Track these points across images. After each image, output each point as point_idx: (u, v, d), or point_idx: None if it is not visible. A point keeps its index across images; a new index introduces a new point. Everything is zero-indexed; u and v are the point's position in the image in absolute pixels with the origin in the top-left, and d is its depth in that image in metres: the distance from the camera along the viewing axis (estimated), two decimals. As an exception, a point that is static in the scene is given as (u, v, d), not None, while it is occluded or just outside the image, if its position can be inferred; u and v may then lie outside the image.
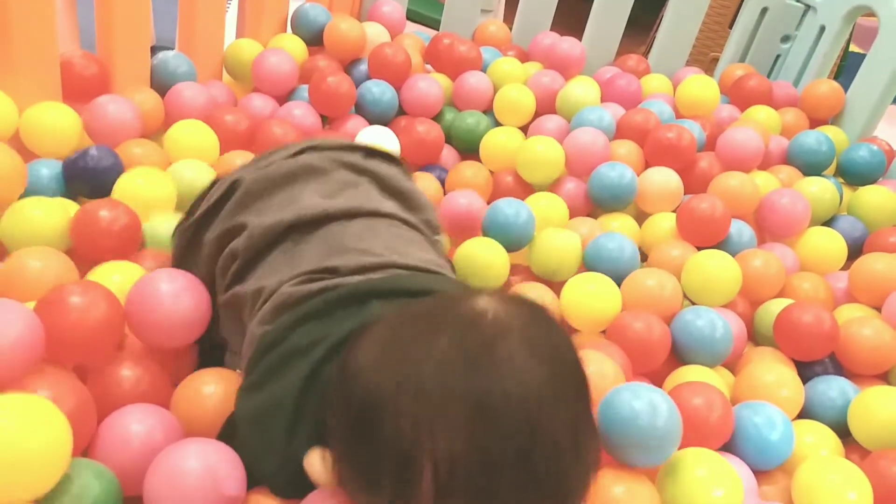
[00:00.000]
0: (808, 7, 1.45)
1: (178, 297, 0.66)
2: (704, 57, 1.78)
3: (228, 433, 0.58)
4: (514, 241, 0.96)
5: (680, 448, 0.62)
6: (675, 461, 0.63)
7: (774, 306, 0.92)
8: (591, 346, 0.78)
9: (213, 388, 0.64)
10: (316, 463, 0.49)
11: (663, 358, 0.83)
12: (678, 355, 0.85)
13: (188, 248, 0.71)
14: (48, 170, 0.88)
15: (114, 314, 0.64)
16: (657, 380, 0.82)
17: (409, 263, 0.61)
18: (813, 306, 0.87)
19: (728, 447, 0.73)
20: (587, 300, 0.86)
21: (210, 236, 0.68)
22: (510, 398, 0.41)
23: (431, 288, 0.57)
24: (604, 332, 0.86)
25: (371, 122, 1.16)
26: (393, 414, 0.42)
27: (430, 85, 1.19)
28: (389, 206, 0.69)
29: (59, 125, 0.91)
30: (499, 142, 1.15)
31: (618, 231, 1.03)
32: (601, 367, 0.72)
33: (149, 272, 0.70)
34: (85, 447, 0.58)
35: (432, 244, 0.69)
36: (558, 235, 0.96)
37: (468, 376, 0.42)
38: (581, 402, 0.45)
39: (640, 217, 1.09)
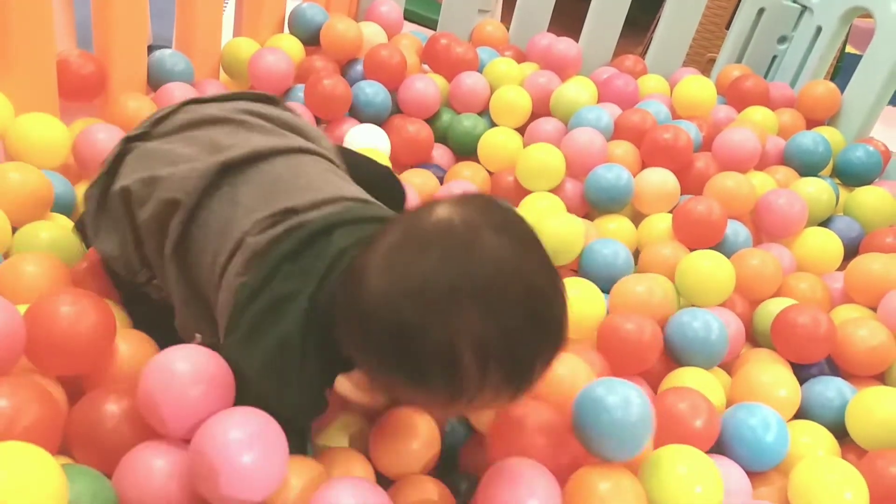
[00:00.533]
0: (804, 8, 1.46)
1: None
2: (701, 58, 1.78)
3: (240, 390, 0.59)
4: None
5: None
6: (657, 458, 0.64)
7: (773, 306, 0.92)
8: (572, 351, 0.77)
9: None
10: (346, 386, 0.58)
11: (654, 359, 0.82)
12: (674, 357, 0.85)
13: (99, 211, 0.70)
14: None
15: (104, 324, 0.62)
16: (654, 381, 0.82)
17: (349, 195, 0.67)
18: (809, 309, 0.87)
19: (723, 448, 0.73)
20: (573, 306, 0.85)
21: (117, 188, 0.67)
22: (504, 274, 0.51)
23: (382, 215, 0.66)
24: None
25: (364, 122, 1.16)
26: (423, 325, 0.50)
27: (427, 85, 1.19)
28: (300, 141, 0.71)
29: (46, 138, 0.89)
30: (497, 142, 1.15)
31: (614, 233, 1.03)
32: (573, 368, 0.71)
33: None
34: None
35: (345, 174, 0.73)
36: (561, 220, 0.96)
37: (467, 272, 0.50)
38: (547, 258, 0.55)
39: (637, 218, 1.09)
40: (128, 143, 0.70)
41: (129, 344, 0.67)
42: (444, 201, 0.54)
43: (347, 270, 0.56)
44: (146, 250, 0.68)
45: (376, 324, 0.52)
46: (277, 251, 0.61)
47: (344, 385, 0.58)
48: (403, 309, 0.50)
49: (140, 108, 0.98)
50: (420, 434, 0.67)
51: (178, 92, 1.03)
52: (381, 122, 1.18)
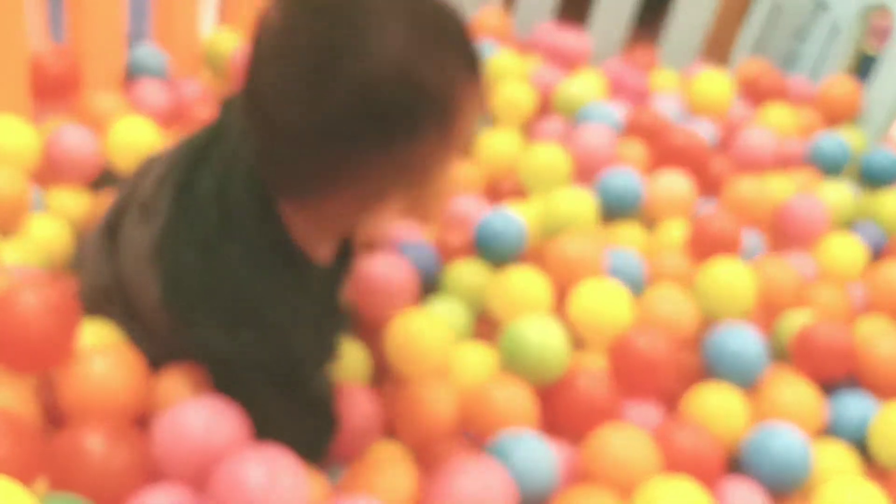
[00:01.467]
0: (820, 4, 1.42)
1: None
2: (717, 51, 1.75)
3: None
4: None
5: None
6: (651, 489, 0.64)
7: (793, 320, 0.89)
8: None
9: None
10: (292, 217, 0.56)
11: (668, 380, 0.80)
12: (707, 374, 0.83)
13: None
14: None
15: (67, 318, 0.59)
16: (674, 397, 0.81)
17: None
18: (830, 328, 0.84)
19: (745, 469, 0.74)
20: (599, 309, 0.83)
21: None
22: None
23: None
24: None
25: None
26: (420, 76, 0.51)
27: None
28: None
29: (13, 143, 0.85)
30: (496, 145, 1.09)
31: (625, 241, 1.00)
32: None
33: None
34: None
35: None
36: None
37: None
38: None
39: (650, 223, 1.04)
40: None
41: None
42: None
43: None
44: None
45: (376, 95, 0.50)
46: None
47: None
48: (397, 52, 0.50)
49: (111, 107, 0.95)
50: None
51: (149, 87, 1.00)
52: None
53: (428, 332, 0.75)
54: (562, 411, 0.76)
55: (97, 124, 0.93)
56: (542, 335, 0.76)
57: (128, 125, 0.92)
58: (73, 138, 0.88)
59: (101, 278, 0.65)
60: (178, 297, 0.57)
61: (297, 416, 0.59)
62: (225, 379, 0.57)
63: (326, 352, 0.63)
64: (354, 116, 0.50)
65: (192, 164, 0.59)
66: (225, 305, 0.55)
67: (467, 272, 0.87)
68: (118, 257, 0.63)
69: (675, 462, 0.69)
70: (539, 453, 0.68)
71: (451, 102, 0.52)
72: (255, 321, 0.55)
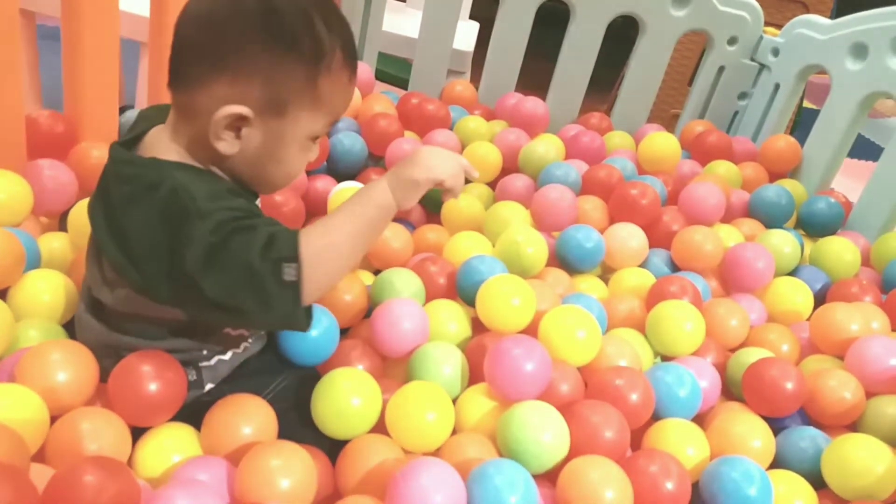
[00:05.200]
0: (762, 66, 1.50)
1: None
2: (665, 114, 1.82)
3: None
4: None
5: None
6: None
7: (746, 357, 0.92)
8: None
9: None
10: (234, 108, 0.62)
11: (646, 417, 0.81)
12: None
13: None
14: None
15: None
16: (636, 434, 0.81)
17: None
18: (779, 364, 0.86)
19: (708, 502, 0.74)
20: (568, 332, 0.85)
21: None
22: None
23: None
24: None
25: (340, 173, 1.17)
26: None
27: (414, 146, 1.20)
28: None
29: (7, 194, 0.88)
30: (460, 207, 1.13)
31: (586, 291, 1.02)
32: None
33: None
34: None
35: None
36: (522, 232, 0.99)
37: None
38: None
39: (606, 272, 1.10)
40: None
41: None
42: None
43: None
44: None
45: (239, 11, 0.61)
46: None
47: (233, 107, 0.62)
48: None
49: (102, 156, 0.96)
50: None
51: None
52: (356, 172, 1.20)
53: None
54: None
55: (89, 175, 0.96)
56: (540, 430, 0.73)
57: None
58: (51, 171, 0.93)
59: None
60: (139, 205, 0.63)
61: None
62: (216, 255, 0.59)
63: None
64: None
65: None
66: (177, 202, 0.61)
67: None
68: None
69: (645, 492, 0.70)
70: (518, 477, 0.68)
71: (312, 38, 0.63)
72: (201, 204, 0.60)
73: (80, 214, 0.90)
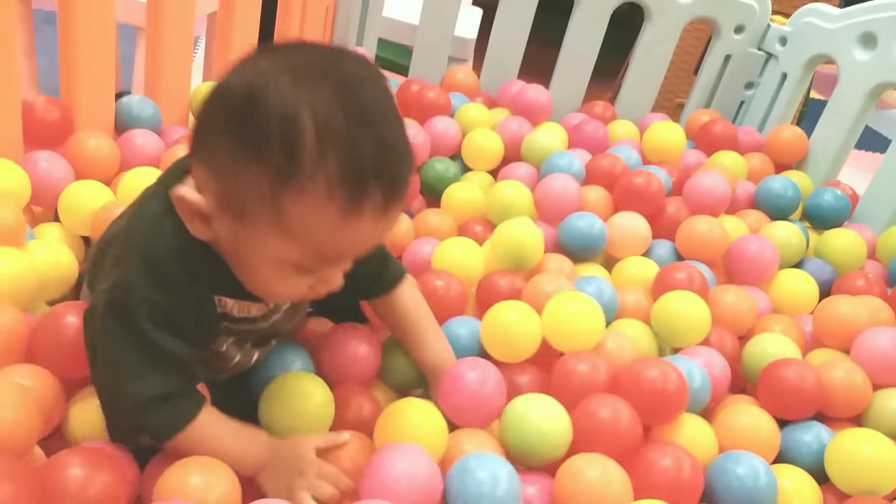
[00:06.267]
0: (769, 55, 1.49)
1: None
2: (670, 103, 1.81)
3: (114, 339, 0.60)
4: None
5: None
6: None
7: (760, 344, 0.91)
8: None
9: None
10: (185, 190, 0.57)
11: (681, 409, 0.78)
12: None
13: None
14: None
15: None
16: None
17: None
18: (797, 367, 0.85)
19: (711, 498, 0.73)
20: (571, 320, 0.84)
21: None
22: (364, 79, 0.54)
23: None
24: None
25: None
26: (271, 85, 0.51)
27: (417, 134, 1.18)
28: None
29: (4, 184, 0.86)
30: (463, 193, 1.13)
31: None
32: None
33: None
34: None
35: None
36: (520, 224, 0.97)
37: (329, 60, 0.53)
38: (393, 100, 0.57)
39: (609, 262, 1.09)
40: None
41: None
42: None
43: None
44: None
45: (230, 95, 0.53)
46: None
47: (184, 190, 0.57)
48: (261, 69, 0.53)
49: (98, 146, 0.98)
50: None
51: (140, 138, 1.03)
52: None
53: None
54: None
55: (84, 165, 0.96)
56: (544, 420, 0.73)
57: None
58: (47, 164, 0.92)
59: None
60: (98, 248, 0.65)
61: (146, 368, 0.60)
62: (100, 321, 0.60)
63: (200, 334, 0.64)
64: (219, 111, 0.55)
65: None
66: (127, 241, 0.61)
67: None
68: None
69: (659, 485, 0.69)
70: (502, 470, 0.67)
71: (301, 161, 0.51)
72: (142, 263, 0.59)
73: (70, 197, 0.90)
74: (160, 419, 0.60)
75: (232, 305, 0.65)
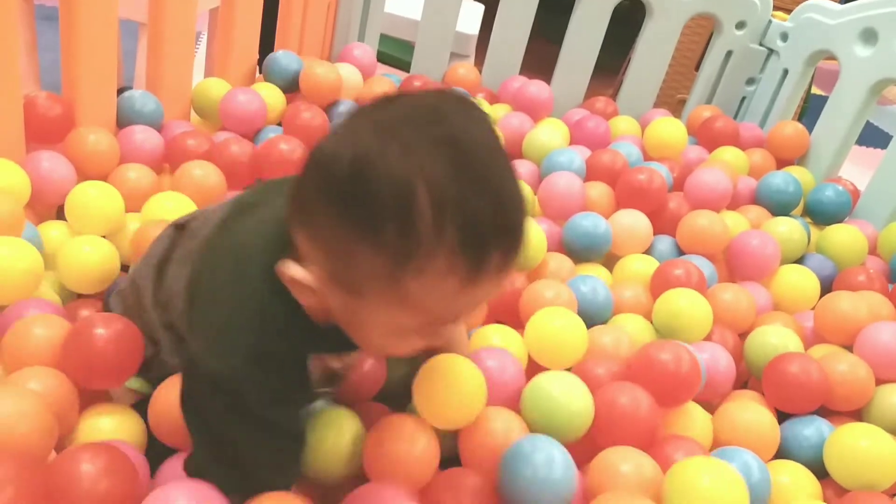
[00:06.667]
0: (771, 51, 1.48)
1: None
2: (672, 99, 1.81)
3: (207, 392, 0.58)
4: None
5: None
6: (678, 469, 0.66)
7: (762, 336, 0.91)
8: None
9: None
10: (295, 270, 0.53)
11: (694, 391, 0.79)
12: None
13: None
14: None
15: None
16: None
17: None
18: (802, 360, 0.85)
19: None
20: (553, 335, 0.84)
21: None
22: (479, 141, 0.49)
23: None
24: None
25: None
26: (383, 153, 0.47)
27: None
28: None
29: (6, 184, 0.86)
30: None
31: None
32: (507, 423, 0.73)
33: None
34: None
35: None
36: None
37: (444, 121, 0.48)
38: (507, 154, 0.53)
39: (610, 259, 1.09)
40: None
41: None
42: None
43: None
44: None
45: (335, 169, 0.48)
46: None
47: (291, 267, 0.53)
48: (367, 149, 0.47)
49: (98, 141, 0.98)
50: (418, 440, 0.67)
51: (140, 134, 1.03)
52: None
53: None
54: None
55: (85, 161, 0.96)
56: (566, 395, 0.73)
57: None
58: (49, 163, 0.92)
59: (148, 299, 0.71)
60: (191, 306, 0.60)
61: (258, 442, 0.59)
62: (197, 396, 0.59)
63: (304, 397, 0.64)
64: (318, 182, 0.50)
65: (235, 214, 0.62)
66: (227, 327, 0.56)
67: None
68: (164, 285, 0.70)
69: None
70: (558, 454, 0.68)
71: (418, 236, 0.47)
72: (249, 351, 0.56)
73: (78, 199, 0.89)
74: (275, 483, 0.59)
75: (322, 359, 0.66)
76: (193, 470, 0.61)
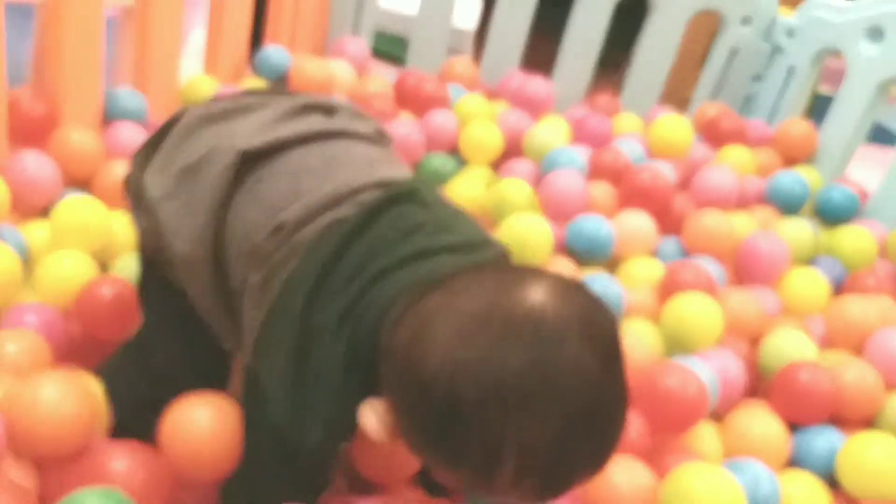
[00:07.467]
0: (776, 48, 1.47)
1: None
2: (676, 96, 1.78)
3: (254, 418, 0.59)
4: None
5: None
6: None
7: (777, 340, 0.90)
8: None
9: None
10: (372, 418, 0.53)
11: (700, 417, 0.77)
12: None
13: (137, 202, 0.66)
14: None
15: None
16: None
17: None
18: (812, 369, 0.84)
19: None
20: None
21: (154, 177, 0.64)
22: (579, 394, 0.48)
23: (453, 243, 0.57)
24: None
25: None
26: (481, 417, 0.47)
27: (413, 130, 1.16)
28: (339, 123, 0.65)
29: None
30: (462, 191, 1.11)
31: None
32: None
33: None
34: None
35: (394, 157, 0.67)
36: (526, 219, 0.96)
37: (544, 380, 0.47)
38: (625, 375, 0.52)
39: (614, 261, 1.06)
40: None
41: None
42: (540, 283, 0.51)
43: (409, 312, 0.52)
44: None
45: (431, 394, 0.49)
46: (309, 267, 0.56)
47: (370, 413, 0.53)
48: (467, 393, 0.48)
49: (81, 140, 0.96)
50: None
51: (125, 132, 1.01)
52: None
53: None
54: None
55: (68, 160, 0.94)
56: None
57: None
58: (34, 165, 0.90)
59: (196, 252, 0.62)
60: (262, 351, 0.58)
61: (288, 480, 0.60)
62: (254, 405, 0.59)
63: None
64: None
65: (330, 261, 0.56)
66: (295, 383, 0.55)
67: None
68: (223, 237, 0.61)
69: None
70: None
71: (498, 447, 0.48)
72: (303, 418, 0.55)
73: (64, 213, 0.85)
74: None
75: None
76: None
